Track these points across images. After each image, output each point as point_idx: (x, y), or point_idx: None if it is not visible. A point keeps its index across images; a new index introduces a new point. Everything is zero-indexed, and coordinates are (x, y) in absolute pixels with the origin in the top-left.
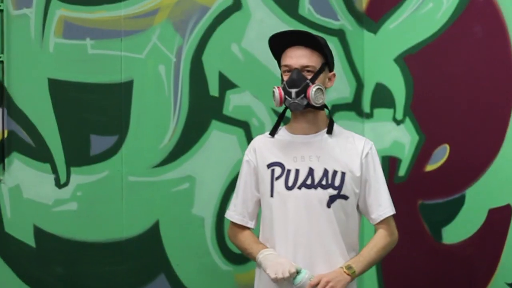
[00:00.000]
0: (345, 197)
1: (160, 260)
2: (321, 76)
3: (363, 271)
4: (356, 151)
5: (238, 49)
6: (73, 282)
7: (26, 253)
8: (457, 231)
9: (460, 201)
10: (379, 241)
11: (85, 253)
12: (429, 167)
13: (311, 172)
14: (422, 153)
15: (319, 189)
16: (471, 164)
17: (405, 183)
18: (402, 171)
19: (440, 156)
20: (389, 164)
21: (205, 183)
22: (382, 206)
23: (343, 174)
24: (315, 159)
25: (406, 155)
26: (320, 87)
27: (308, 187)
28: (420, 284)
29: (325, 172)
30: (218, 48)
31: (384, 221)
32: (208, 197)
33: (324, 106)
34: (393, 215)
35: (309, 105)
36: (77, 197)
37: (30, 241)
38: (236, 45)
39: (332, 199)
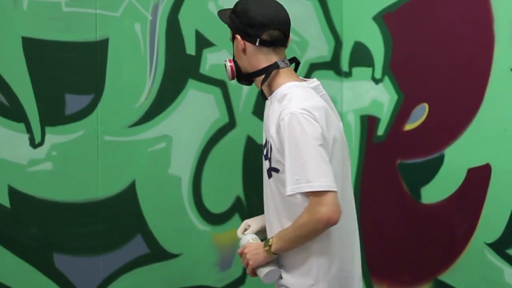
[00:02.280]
0: (276, 170)
1: (136, 220)
2: (235, 48)
3: (282, 248)
4: (275, 120)
5: (215, 6)
6: (49, 242)
7: (1, 214)
8: (436, 191)
9: (439, 161)
10: (298, 218)
11: (60, 214)
12: (408, 126)
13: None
14: (401, 112)
15: (265, 160)
16: (450, 123)
17: (384, 142)
18: (381, 131)
19: (419, 115)
20: (368, 123)
21: (182, 143)
22: (287, 184)
23: (270, 144)
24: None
25: (385, 114)
26: (225, 62)
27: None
28: (399, 244)
29: (265, 141)
30: (194, 6)
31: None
32: (185, 156)
33: (259, 73)
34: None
35: (236, 79)
36: (52, 157)
37: (5, 201)
38: (213, 3)
39: (269, 171)
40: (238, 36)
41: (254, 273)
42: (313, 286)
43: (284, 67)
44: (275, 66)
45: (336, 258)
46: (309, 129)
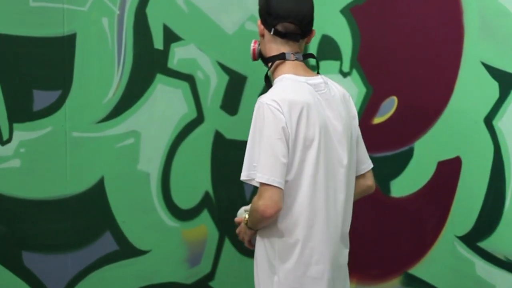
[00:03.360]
0: None
1: (105, 217)
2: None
3: (251, 226)
4: None
5: (183, 1)
6: (17, 240)
7: None
8: (405, 184)
9: (409, 154)
10: None
11: (29, 211)
12: (377, 120)
13: None
14: (370, 106)
15: None
16: (420, 116)
17: None
18: None
19: (388, 108)
20: None
21: (150, 138)
22: (244, 169)
23: None
24: None
25: None
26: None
27: None
28: (368, 238)
29: None
30: (162, 0)
31: None
32: (153, 152)
33: (267, 60)
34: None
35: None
36: (20, 153)
37: None
38: None
39: None
40: (259, 20)
41: (252, 245)
42: (274, 274)
43: (292, 60)
44: (281, 57)
45: (290, 258)
46: (271, 121)
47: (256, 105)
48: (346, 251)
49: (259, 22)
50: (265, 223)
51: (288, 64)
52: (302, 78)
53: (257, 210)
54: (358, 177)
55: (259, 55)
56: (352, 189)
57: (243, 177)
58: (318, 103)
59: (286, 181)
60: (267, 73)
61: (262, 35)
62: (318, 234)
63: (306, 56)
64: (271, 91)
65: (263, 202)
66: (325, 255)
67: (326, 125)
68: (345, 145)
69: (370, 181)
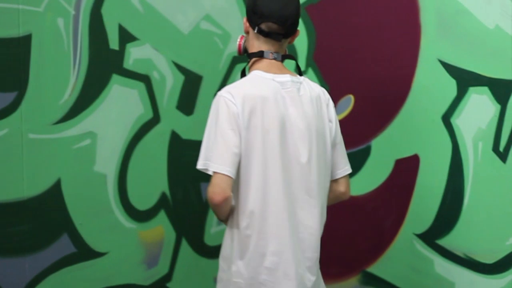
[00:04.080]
0: None
1: (62, 219)
2: None
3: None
4: None
5: (138, 0)
6: None
7: None
8: (363, 183)
9: (366, 152)
10: None
11: None
12: None
13: None
14: None
15: None
16: (377, 114)
17: None
18: None
19: (345, 107)
20: None
21: (107, 139)
22: (200, 157)
23: None
24: None
25: None
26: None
27: None
28: (325, 237)
29: None
30: (117, 0)
31: None
32: (110, 153)
33: (249, 56)
34: (217, 173)
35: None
36: None
37: None
38: None
39: None
40: (245, 18)
41: None
42: (232, 264)
43: (270, 58)
44: (259, 54)
45: (247, 251)
46: (224, 112)
47: (214, 98)
48: (313, 245)
49: (244, 19)
50: (220, 212)
51: (263, 62)
52: (270, 75)
53: (207, 197)
54: (332, 182)
55: (244, 51)
56: (321, 190)
57: (199, 165)
58: (280, 99)
59: (239, 170)
60: (244, 68)
61: (247, 32)
62: (272, 226)
63: (285, 57)
64: (231, 84)
65: (211, 189)
66: (282, 247)
67: (284, 121)
68: (306, 143)
69: (342, 188)
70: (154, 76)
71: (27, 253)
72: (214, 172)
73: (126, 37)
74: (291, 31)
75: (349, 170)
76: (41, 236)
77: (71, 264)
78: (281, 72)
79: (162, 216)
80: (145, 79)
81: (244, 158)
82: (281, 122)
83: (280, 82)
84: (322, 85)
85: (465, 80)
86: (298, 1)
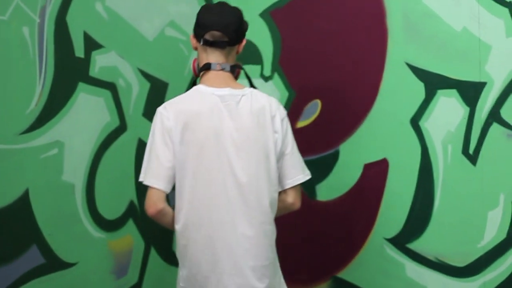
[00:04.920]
0: None
1: (31, 230)
2: None
3: None
4: None
5: (102, 7)
6: None
7: None
8: (331, 188)
9: (334, 157)
10: None
11: None
12: (301, 123)
13: None
14: (293, 110)
15: None
16: (345, 119)
17: None
18: None
19: (312, 112)
20: None
21: (74, 148)
22: (142, 171)
23: None
24: None
25: None
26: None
27: None
28: (295, 243)
29: None
30: (82, 7)
31: None
32: (77, 162)
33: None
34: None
35: None
36: None
37: None
38: (100, 4)
39: None
40: (191, 35)
41: None
42: (179, 269)
43: (218, 70)
44: (206, 67)
45: (186, 260)
46: (158, 127)
47: (155, 114)
48: (255, 254)
49: (191, 36)
50: (160, 223)
51: (208, 75)
52: (210, 89)
53: (144, 208)
54: (280, 193)
55: (200, 71)
56: (262, 200)
57: (140, 178)
58: (217, 113)
59: (176, 182)
60: (195, 81)
61: (196, 48)
62: (205, 237)
63: (233, 66)
64: (170, 100)
65: (146, 201)
66: (215, 258)
67: (219, 134)
68: (243, 155)
69: (291, 198)
70: (120, 83)
71: None
72: (148, 186)
73: (91, 44)
74: (236, 38)
75: (299, 181)
76: (10, 248)
77: (40, 275)
78: (226, 84)
79: (130, 225)
80: (111, 87)
81: (179, 172)
82: (215, 135)
83: (219, 95)
84: (288, 90)
85: (433, 83)
86: (240, 12)
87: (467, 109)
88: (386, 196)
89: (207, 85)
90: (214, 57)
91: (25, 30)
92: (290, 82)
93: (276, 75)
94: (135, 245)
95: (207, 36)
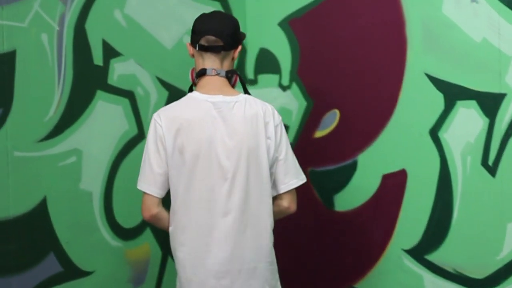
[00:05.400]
0: None
1: (49, 238)
2: None
3: None
4: None
5: (121, 15)
6: None
7: None
8: (349, 198)
9: (352, 167)
10: None
11: None
12: (319, 133)
13: None
14: (311, 119)
15: None
16: (363, 129)
17: (293, 150)
18: (289, 138)
19: (330, 121)
20: None
21: (92, 156)
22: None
23: None
24: None
25: (293, 121)
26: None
27: None
28: (313, 253)
29: None
30: (101, 15)
31: None
32: (95, 170)
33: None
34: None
35: None
36: None
37: None
38: (119, 12)
39: None
40: (187, 43)
41: None
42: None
43: (213, 75)
44: (201, 72)
45: (180, 264)
46: (151, 134)
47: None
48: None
49: (187, 44)
50: (157, 226)
51: (203, 81)
52: (204, 96)
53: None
54: (275, 197)
55: (196, 76)
56: (253, 204)
57: (137, 186)
58: (210, 119)
59: (170, 188)
60: (191, 87)
61: (192, 55)
62: (192, 240)
63: (229, 72)
64: (165, 107)
65: (141, 206)
66: (197, 262)
67: (211, 140)
68: (234, 161)
69: (286, 203)
70: (138, 91)
71: (14, 273)
72: (143, 192)
73: (110, 52)
74: (231, 43)
75: (293, 185)
76: (28, 256)
77: (58, 283)
78: (220, 91)
79: (148, 234)
80: (130, 95)
81: (173, 177)
82: (208, 142)
83: (212, 102)
84: (306, 100)
85: (453, 93)
86: (235, 20)
87: (487, 120)
88: (404, 207)
89: (201, 92)
90: (209, 62)
91: (44, 38)
92: (308, 91)
93: (294, 85)
94: (152, 254)
95: (202, 41)
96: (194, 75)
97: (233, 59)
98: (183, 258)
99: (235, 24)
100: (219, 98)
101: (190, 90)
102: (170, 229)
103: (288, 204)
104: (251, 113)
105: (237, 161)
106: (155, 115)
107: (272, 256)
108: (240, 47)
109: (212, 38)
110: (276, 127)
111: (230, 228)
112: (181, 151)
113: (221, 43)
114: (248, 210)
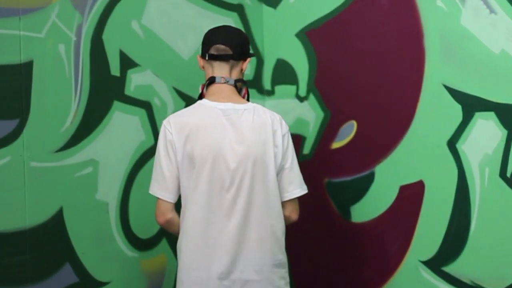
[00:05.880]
0: None
1: (65, 248)
2: None
3: None
4: None
5: (139, 26)
6: None
7: None
8: (367, 209)
9: (370, 178)
10: None
11: None
12: (336, 144)
13: None
14: (328, 130)
15: None
16: (381, 140)
17: (310, 161)
18: (306, 149)
19: (347, 132)
20: (294, 142)
21: (109, 167)
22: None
23: None
24: None
25: (310, 132)
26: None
27: None
28: (329, 264)
29: None
30: (118, 26)
31: None
32: (111, 181)
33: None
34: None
35: None
36: None
37: None
38: (136, 22)
39: None
40: (198, 56)
41: None
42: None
43: (222, 82)
44: (211, 80)
45: (184, 266)
46: (162, 140)
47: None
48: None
49: (198, 56)
50: (170, 231)
51: (212, 89)
52: (213, 104)
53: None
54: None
55: (206, 85)
56: (258, 211)
57: (150, 191)
58: (219, 126)
59: (181, 192)
60: (200, 95)
61: (202, 67)
62: (195, 245)
63: (237, 81)
64: (175, 113)
65: (155, 212)
66: (209, 267)
67: (220, 147)
68: (242, 166)
69: (287, 212)
70: (155, 102)
71: (29, 283)
72: (157, 197)
73: (127, 63)
74: (240, 53)
75: (296, 195)
76: (43, 266)
77: None
78: (229, 99)
79: (164, 244)
80: (147, 106)
81: (182, 183)
82: (216, 148)
83: (221, 109)
84: (323, 111)
85: (471, 105)
86: (244, 33)
87: (505, 132)
88: (422, 218)
89: (210, 99)
90: (218, 70)
91: (61, 48)
92: (325, 102)
93: (311, 96)
94: (168, 265)
95: (212, 50)
96: (204, 85)
97: (241, 70)
98: (187, 260)
99: (244, 37)
100: (228, 105)
101: (200, 98)
102: (180, 231)
103: (289, 213)
104: (259, 121)
105: (245, 167)
106: (165, 122)
107: (278, 258)
108: (248, 60)
109: (221, 46)
110: (283, 136)
111: (234, 232)
112: (191, 156)
113: (230, 52)
114: (252, 215)
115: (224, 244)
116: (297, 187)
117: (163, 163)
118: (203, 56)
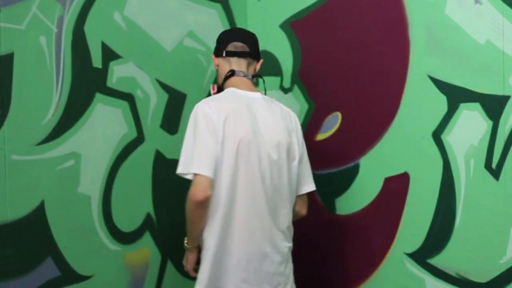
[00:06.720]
0: None
1: (46, 242)
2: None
3: (189, 238)
4: None
5: (121, 17)
6: None
7: None
8: (351, 201)
9: (354, 170)
10: None
11: None
12: (320, 136)
13: None
14: (312, 122)
15: None
16: (365, 132)
17: None
18: None
19: (332, 124)
20: None
21: (91, 160)
22: (179, 163)
23: None
24: None
25: None
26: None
27: None
28: (314, 257)
29: None
30: (100, 17)
31: None
32: (94, 174)
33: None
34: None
35: None
36: None
37: None
38: (119, 13)
39: None
40: (213, 55)
41: (195, 271)
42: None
43: (241, 76)
44: (231, 73)
45: (229, 249)
46: (202, 121)
47: (193, 111)
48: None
49: (212, 55)
50: (197, 214)
51: (235, 80)
52: (243, 92)
53: (189, 198)
54: None
55: (224, 79)
56: (286, 200)
57: (179, 170)
58: (253, 112)
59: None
60: (220, 85)
61: (217, 65)
62: (240, 226)
63: (254, 76)
64: (207, 98)
65: (193, 188)
66: (250, 245)
67: (255, 132)
68: (275, 154)
69: (297, 206)
70: (138, 94)
71: (11, 277)
72: (195, 174)
73: (109, 55)
74: (255, 52)
75: (311, 189)
76: (25, 260)
77: None
78: (252, 90)
79: (147, 237)
80: (129, 98)
81: (220, 164)
82: (252, 133)
83: (251, 98)
84: (308, 102)
85: (456, 96)
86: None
87: (490, 123)
88: (406, 210)
89: (237, 88)
90: (236, 65)
91: (42, 40)
92: (310, 94)
93: (295, 87)
94: (151, 258)
95: (230, 47)
96: (221, 80)
97: (255, 70)
98: (232, 243)
99: (257, 38)
100: (257, 95)
101: (219, 89)
102: (205, 232)
103: (299, 208)
104: (284, 111)
105: (277, 155)
106: (200, 105)
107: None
108: (261, 61)
109: (239, 44)
110: (300, 130)
111: (268, 213)
112: (229, 138)
113: (247, 49)
114: (281, 196)
115: (262, 224)
116: (312, 181)
117: (207, 140)
118: (219, 54)
